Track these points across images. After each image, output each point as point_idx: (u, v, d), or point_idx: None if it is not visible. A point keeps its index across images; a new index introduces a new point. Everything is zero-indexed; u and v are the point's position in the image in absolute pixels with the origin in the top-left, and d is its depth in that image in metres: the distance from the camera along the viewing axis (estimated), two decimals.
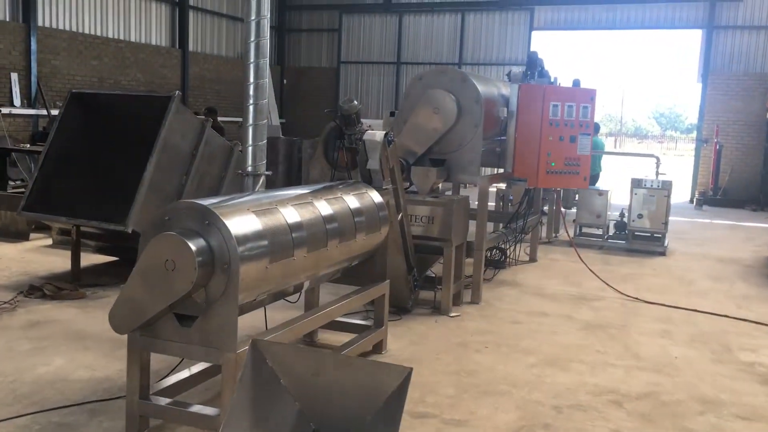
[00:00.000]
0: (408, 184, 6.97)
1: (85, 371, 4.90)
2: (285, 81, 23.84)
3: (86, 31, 16.52)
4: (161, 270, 3.58)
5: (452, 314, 6.75)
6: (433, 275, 7.19)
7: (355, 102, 5.79)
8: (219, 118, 20.70)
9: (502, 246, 8.85)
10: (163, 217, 3.75)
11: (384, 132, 5.82)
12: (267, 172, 5.02)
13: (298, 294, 5.01)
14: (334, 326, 5.64)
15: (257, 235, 3.82)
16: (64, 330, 5.80)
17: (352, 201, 5.02)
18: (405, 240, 6.47)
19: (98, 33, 16.84)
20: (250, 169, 4.88)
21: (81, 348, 5.35)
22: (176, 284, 3.57)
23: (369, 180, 5.86)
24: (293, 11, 23.92)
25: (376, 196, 5.39)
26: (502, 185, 9.96)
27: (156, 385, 4.16)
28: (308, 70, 23.71)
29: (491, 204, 11.03)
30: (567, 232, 9.49)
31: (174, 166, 7.30)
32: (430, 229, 6.70)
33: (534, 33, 20.89)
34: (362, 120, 5.91)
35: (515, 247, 8.92)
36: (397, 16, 22.30)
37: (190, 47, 19.77)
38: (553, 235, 11.67)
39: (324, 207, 4.62)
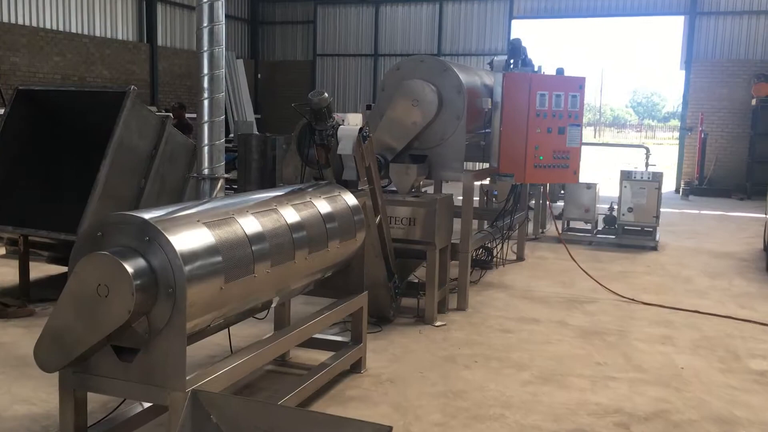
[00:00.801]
0: (387, 181, 6.43)
1: (22, 406, 4.31)
2: (259, 75, 23.17)
3: (48, 26, 15.75)
4: (93, 296, 3.01)
5: (437, 323, 6.22)
6: (417, 280, 6.66)
7: (326, 95, 5.22)
8: (191, 115, 20.16)
9: (489, 245, 8.35)
10: (95, 233, 3.17)
11: (359, 127, 5.27)
12: (226, 175, 4.46)
13: (267, 310, 4.46)
14: (308, 342, 5.08)
15: (209, 251, 3.26)
16: (5, 355, 5.20)
17: (323, 205, 4.46)
18: (384, 244, 5.93)
19: (61, 28, 16.08)
20: (206, 171, 4.32)
21: (21, 377, 4.75)
22: (111, 313, 3.00)
23: (341, 174, 5.32)
24: (266, 3, 23.24)
25: (350, 199, 4.84)
26: (487, 181, 9.44)
27: (98, 425, 3.58)
28: (283, 64, 23.07)
29: (475, 199, 10.54)
30: (556, 227, 9.01)
31: (131, 168, 6.69)
32: (412, 232, 6.17)
33: (514, 22, 20.41)
34: (336, 114, 5.35)
35: (502, 245, 8.41)
36: (373, 6, 21.71)
37: (159, 42, 19.04)
38: (540, 230, 11.19)
39: (290, 214, 4.06)
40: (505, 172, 7.44)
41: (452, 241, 6.68)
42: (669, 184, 18.97)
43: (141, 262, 3.07)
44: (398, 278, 6.20)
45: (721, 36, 18.64)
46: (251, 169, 11.16)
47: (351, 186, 5.26)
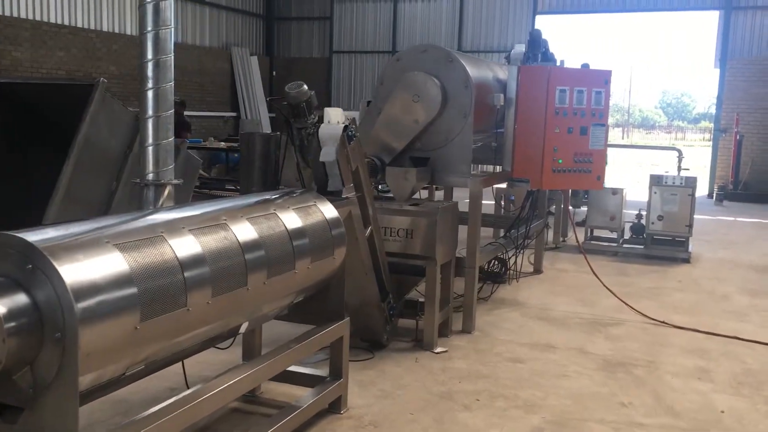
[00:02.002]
0: (377, 187, 5.68)
1: None
2: (274, 73, 22.52)
3: (52, 20, 15.22)
4: None
5: (437, 350, 5.46)
6: (418, 299, 5.89)
7: (305, 87, 4.49)
8: (201, 113, 19.51)
9: (503, 256, 7.55)
10: None
11: (343, 125, 4.53)
12: (175, 181, 3.74)
13: (233, 338, 3.75)
14: (282, 375, 4.35)
15: (117, 282, 2.54)
16: None
17: (291, 219, 3.72)
18: (377, 259, 5.19)
19: (66, 22, 15.54)
20: (150, 176, 3.61)
21: None
22: None
23: (325, 184, 4.60)
24: None
25: (328, 210, 4.09)
26: (504, 184, 8.62)
27: None
28: (299, 61, 22.38)
29: (488, 202, 9.74)
30: (576, 236, 8.20)
31: (100, 169, 6.00)
32: (410, 245, 5.40)
33: (538, 17, 19.51)
34: (316, 109, 4.62)
35: (517, 257, 7.61)
36: (392, 2, 20.94)
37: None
38: (561, 239, 10.35)
39: (244, 230, 3.33)
40: (519, 176, 6.65)
41: (457, 255, 5.91)
42: (702, 189, 17.92)
43: (21, 298, 2.36)
44: (394, 297, 5.45)
45: (758, 32, 17.58)
46: (254, 170, 10.46)
47: (330, 178, 4.53)
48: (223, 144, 14.23)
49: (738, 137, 17.10)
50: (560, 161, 6.57)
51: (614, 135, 68.15)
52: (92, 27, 16.17)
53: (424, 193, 8.13)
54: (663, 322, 6.39)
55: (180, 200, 6.54)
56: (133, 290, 2.59)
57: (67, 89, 6.45)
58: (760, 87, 17.46)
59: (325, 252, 3.95)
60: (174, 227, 2.97)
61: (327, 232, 3.98)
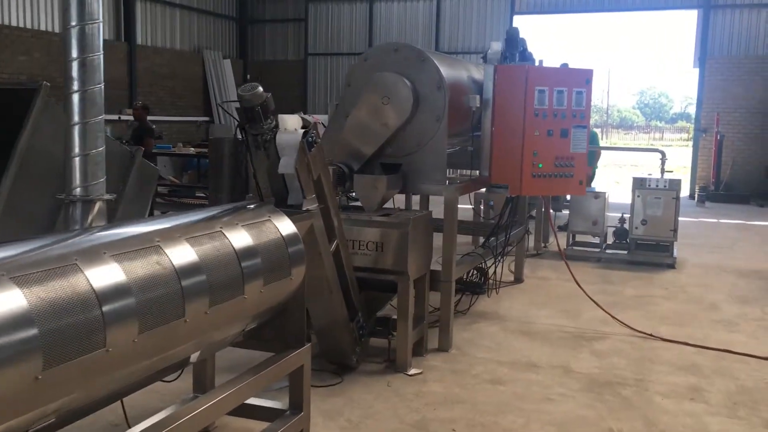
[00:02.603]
0: (348, 196, 5.28)
1: None
2: (248, 76, 22.02)
3: (14, 23, 14.69)
4: None
5: (411, 372, 5.06)
6: (389, 316, 5.48)
7: (260, 89, 4.08)
8: (173, 118, 18.91)
9: (482, 266, 7.16)
10: None
11: (302, 130, 4.12)
12: (106, 196, 3.31)
13: (180, 370, 3.33)
14: (239, 408, 3.92)
15: (11, 324, 2.11)
16: None
17: (240, 237, 3.30)
18: (344, 276, 4.78)
19: (27, 25, 15.01)
20: (77, 191, 3.18)
21: None
22: None
23: (285, 196, 4.19)
24: (256, 1, 22.11)
25: (284, 226, 3.67)
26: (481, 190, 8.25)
27: None
28: (273, 64, 21.93)
29: (466, 207, 9.36)
30: (557, 242, 7.83)
31: (44, 181, 5.54)
32: (380, 259, 5.00)
33: (516, 17, 19.23)
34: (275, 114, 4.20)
35: (496, 266, 7.22)
36: (367, 3, 20.57)
37: (139, 40, 17.96)
38: (543, 245, 10.00)
39: (182, 253, 2.91)
40: (497, 182, 6.27)
41: (433, 268, 5.51)
42: (683, 190, 17.75)
43: None
44: (364, 315, 5.05)
45: (737, 31, 17.42)
46: (223, 177, 9.99)
47: (290, 192, 4.13)
48: (192, 150, 13.74)
49: (719, 137, 16.91)
50: (540, 165, 6.20)
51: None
52: (56, 30, 15.61)
53: (402, 201, 7.74)
54: (651, 335, 6.04)
55: (136, 213, 6.08)
56: (33, 332, 2.15)
57: (8, 94, 5.97)
58: (739, 86, 17.29)
59: (281, 272, 3.53)
60: (93, 253, 2.54)
61: (283, 250, 3.56)
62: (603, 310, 6.46)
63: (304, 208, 4.11)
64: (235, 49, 21.96)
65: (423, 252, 5.21)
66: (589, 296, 6.57)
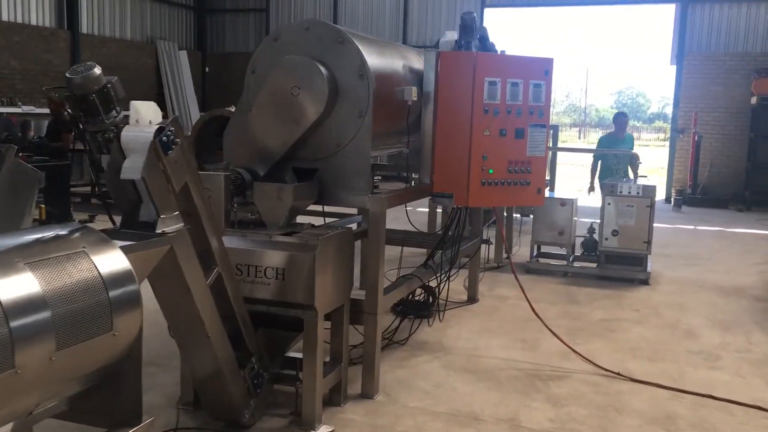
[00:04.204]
0: (235, 210, 4.26)
1: None
2: (207, 69, 20.94)
3: None
4: None
5: (320, 430, 4.06)
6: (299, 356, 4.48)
7: (97, 71, 3.08)
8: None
9: (430, 283, 6.17)
10: None
11: (156, 126, 3.11)
12: None
13: None
14: None
15: None
16: None
17: (18, 283, 2.28)
18: (233, 313, 3.78)
19: None
20: None
21: None
22: None
23: (133, 214, 3.17)
24: None
25: (106, 260, 2.64)
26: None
27: None
28: (234, 56, 20.77)
29: (422, 209, 8.38)
30: (510, 261, 6.72)
31: None
32: (282, 290, 3.99)
33: (487, 11, 18.31)
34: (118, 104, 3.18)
35: (444, 285, 6.22)
36: None
37: (84, 29, 16.76)
38: (504, 256, 9.05)
39: None
40: (440, 191, 5.29)
41: (355, 297, 4.52)
42: (659, 193, 16.94)
43: None
44: (261, 360, 4.04)
45: (717, 26, 16.63)
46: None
47: (143, 205, 3.13)
48: None
49: (696, 138, 16.12)
50: (491, 171, 5.23)
51: (571, 135, 67.87)
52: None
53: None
54: (618, 374, 5.10)
55: (11, 224, 5.00)
56: None
57: None
58: (718, 84, 16.52)
59: (94, 327, 2.51)
60: None
61: (98, 296, 2.54)
62: (564, 343, 5.49)
63: (159, 230, 3.10)
64: (192, 39, 20.80)
65: (338, 279, 4.21)
66: (547, 326, 5.60)
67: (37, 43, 15.42)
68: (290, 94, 4.33)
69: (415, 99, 4.90)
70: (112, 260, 2.66)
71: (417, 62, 5.44)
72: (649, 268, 8.09)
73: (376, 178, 14.00)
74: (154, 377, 4.77)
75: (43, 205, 9.48)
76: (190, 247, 3.32)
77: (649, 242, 8.00)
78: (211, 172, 4.12)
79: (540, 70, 5.33)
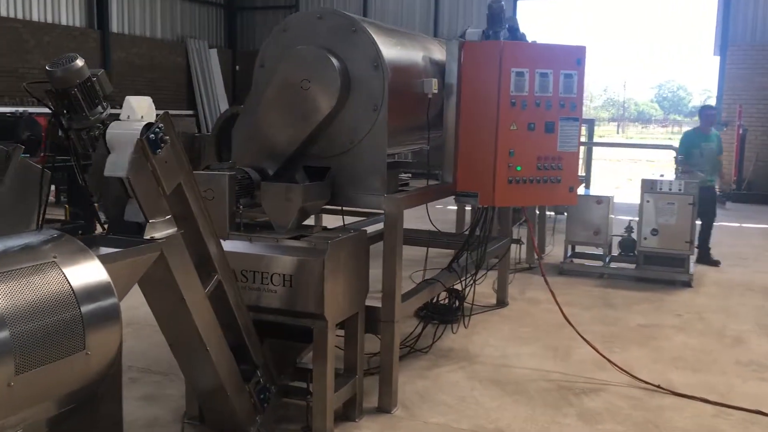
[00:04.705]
0: (241, 212, 3.99)
1: None
2: (237, 67, 20.83)
3: None
4: None
5: None
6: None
7: (80, 63, 2.82)
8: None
9: (457, 287, 5.85)
10: None
11: (144, 123, 2.85)
12: None
13: None
14: None
15: None
16: None
17: None
18: (235, 323, 3.51)
19: None
20: None
21: None
22: None
23: (120, 215, 2.93)
24: None
25: (80, 271, 2.38)
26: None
27: None
28: None
29: (450, 207, 8.06)
30: (540, 262, 6.38)
31: None
32: (290, 298, 3.71)
33: (520, 3, 17.84)
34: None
35: (465, 290, 5.87)
36: None
37: (114, 28, 16.76)
38: (537, 257, 8.66)
39: None
40: (464, 190, 4.96)
41: (371, 304, 4.22)
42: None
43: None
44: (268, 372, 3.77)
45: (762, 15, 15.92)
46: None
47: (128, 207, 2.88)
48: None
49: (741, 131, 15.45)
50: (518, 168, 4.89)
51: (609, 129, 66.66)
52: (19, 16, 14.46)
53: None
54: (658, 387, 4.70)
55: (21, 225, 4.79)
56: None
57: None
58: (764, 75, 15.81)
59: (63, 346, 2.25)
60: None
61: (69, 312, 2.28)
62: (598, 352, 5.11)
63: (147, 236, 2.84)
64: (222, 37, 20.73)
65: (352, 286, 3.91)
66: (580, 334, 5.22)
67: (68, 42, 15.44)
68: (300, 88, 4.05)
69: (435, 91, 4.59)
70: (86, 271, 2.40)
71: (439, 53, 5.11)
72: (691, 270, 7.63)
73: (405, 175, 13.73)
74: (162, 388, 4.55)
75: (67, 206, 9.38)
76: (185, 254, 3.06)
77: (691, 242, 7.54)
78: (216, 171, 3.88)
79: (571, 59, 4.96)
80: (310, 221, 4.59)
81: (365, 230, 4.14)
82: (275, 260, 3.71)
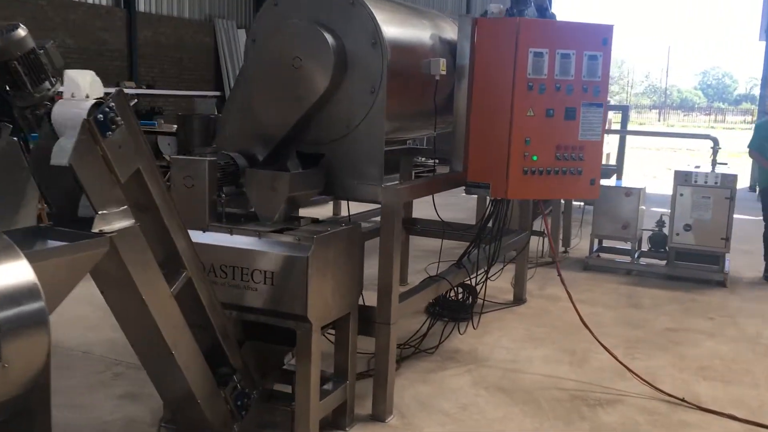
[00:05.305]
0: (222, 200, 3.66)
1: None
2: None
3: None
4: None
5: None
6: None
7: (21, 32, 2.52)
8: (178, 92, 17.39)
9: (469, 282, 5.48)
10: None
11: (93, 100, 2.53)
12: None
13: None
14: None
15: None
16: None
17: None
18: (209, 323, 3.21)
19: None
20: None
21: None
22: None
23: (72, 203, 2.64)
24: None
25: (2, 272, 2.09)
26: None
27: None
28: None
29: (471, 199, 7.66)
30: (552, 246, 6.01)
31: None
32: (271, 297, 3.39)
33: None
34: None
35: (485, 283, 5.50)
36: None
37: (141, 7, 16.55)
38: (561, 250, 8.25)
39: None
40: (475, 180, 4.58)
41: (363, 303, 3.89)
42: (741, 181, 15.55)
43: None
44: (248, 376, 3.46)
45: None
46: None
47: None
48: (176, 127, 12.29)
49: None
50: (535, 158, 4.49)
51: (651, 117, 65.07)
52: None
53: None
54: (683, 401, 4.29)
55: (9, 207, 4.54)
56: None
57: None
58: None
59: None
60: None
61: None
62: (618, 360, 4.70)
63: (96, 229, 2.54)
64: (250, 17, 20.38)
65: (341, 285, 3.57)
66: (597, 340, 4.81)
67: (94, 20, 15.27)
68: (291, 66, 3.71)
69: (443, 73, 4.19)
70: (7, 271, 2.10)
71: (451, 32, 4.71)
72: (726, 269, 7.13)
73: (433, 161, 13.33)
74: (145, 385, 4.24)
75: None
76: (145, 249, 2.75)
77: (727, 239, 7.04)
78: (196, 156, 3.56)
79: (596, 38, 4.53)
80: (316, 212, 4.27)
81: (359, 224, 3.79)
82: (256, 255, 3.39)
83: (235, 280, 3.44)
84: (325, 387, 3.72)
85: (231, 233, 3.51)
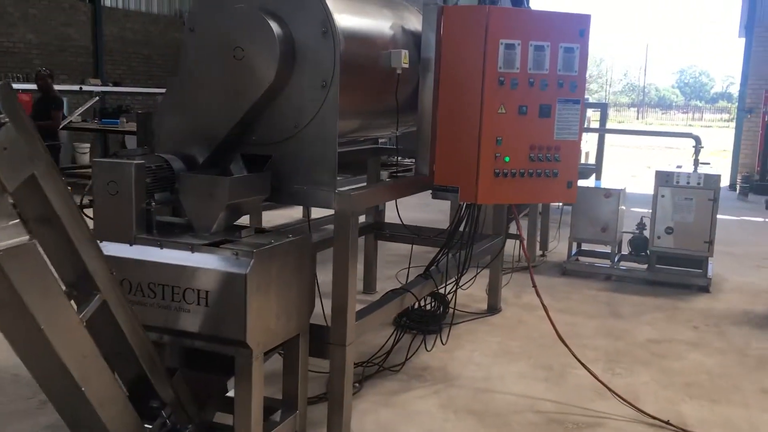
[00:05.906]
0: (153, 209, 3.23)
1: None
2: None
3: None
4: None
5: None
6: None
7: None
8: (145, 90, 16.75)
9: (440, 291, 5.10)
10: None
11: None
12: None
13: None
14: None
15: None
16: None
17: None
18: (131, 352, 2.79)
19: None
20: None
21: None
22: None
23: None
24: None
25: None
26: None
27: None
28: None
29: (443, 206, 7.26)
30: (527, 256, 5.59)
31: None
32: (207, 319, 2.98)
33: None
34: None
35: (455, 293, 5.13)
36: None
37: (107, 1, 16.02)
38: (539, 254, 7.91)
39: None
40: (442, 183, 4.20)
41: (314, 323, 3.49)
42: (722, 179, 15.37)
43: None
44: (178, 411, 3.04)
45: None
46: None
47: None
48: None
49: (767, 118, 14.48)
50: (507, 159, 4.11)
51: (629, 115, 65.20)
52: None
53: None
54: (668, 423, 3.94)
55: None
56: None
57: None
58: None
59: None
60: None
61: None
62: (598, 380, 4.33)
63: None
64: None
65: (288, 304, 3.17)
66: (576, 357, 4.44)
67: (56, 15, 14.73)
68: (233, 57, 3.29)
69: (406, 66, 3.80)
70: None
71: (417, 23, 4.31)
72: (710, 274, 6.82)
73: (412, 161, 12.93)
74: None
75: None
76: (43, 270, 2.32)
77: (710, 242, 6.72)
78: (121, 160, 3.14)
79: (573, 29, 4.16)
80: (284, 214, 3.86)
81: (308, 234, 3.39)
82: (187, 272, 2.97)
83: (165, 300, 3.02)
84: (273, 417, 3.32)
85: (161, 246, 3.09)
